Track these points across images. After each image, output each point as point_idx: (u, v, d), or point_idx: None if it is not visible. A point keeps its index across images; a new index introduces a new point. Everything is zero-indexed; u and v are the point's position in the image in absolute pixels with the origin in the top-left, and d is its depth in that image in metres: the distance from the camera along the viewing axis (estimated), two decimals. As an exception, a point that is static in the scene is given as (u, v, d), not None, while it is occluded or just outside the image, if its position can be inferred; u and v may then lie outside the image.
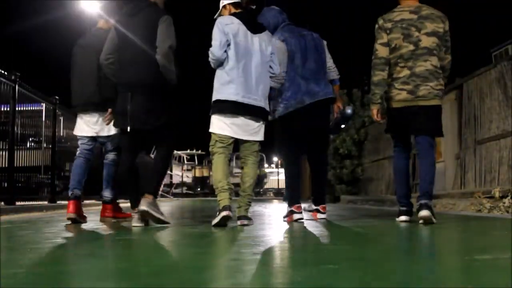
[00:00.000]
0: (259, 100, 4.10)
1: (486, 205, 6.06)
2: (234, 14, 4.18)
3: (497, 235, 3.29)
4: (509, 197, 5.78)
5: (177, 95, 4.27)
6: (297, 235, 3.26)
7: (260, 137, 4.19)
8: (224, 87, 4.01)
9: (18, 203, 7.35)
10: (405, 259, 2.21)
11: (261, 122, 4.18)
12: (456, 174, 8.21)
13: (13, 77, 7.22)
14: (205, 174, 33.19)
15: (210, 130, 4.09)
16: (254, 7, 4.26)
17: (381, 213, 6.23)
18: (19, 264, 2.00)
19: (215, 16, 4.32)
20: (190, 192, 31.26)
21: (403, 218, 4.29)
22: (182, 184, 30.72)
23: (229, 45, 4.03)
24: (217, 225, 3.84)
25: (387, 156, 11.00)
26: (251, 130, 4.12)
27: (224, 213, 3.82)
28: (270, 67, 4.24)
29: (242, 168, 4.26)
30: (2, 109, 7.38)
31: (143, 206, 3.88)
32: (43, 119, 9.11)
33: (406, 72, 4.14)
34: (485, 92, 7.47)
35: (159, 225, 4.03)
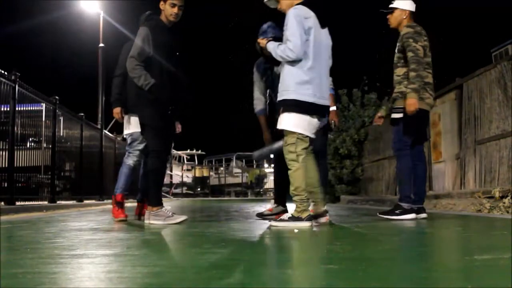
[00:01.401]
0: (327, 99, 4.00)
1: (486, 205, 6.06)
2: (302, 4, 3.90)
3: (497, 235, 3.29)
4: (509, 197, 5.78)
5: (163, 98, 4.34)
6: (297, 235, 3.26)
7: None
8: (301, 87, 3.79)
9: (18, 203, 7.35)
10: (405, 259, 2.21)
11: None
12: (456, 174, 8.21)
13: (13, 77, 7.23)
14: (205, 174, 33.13)
15: (289, 128, 3.81)
16: None
17: (381, 213, 6.23)
18: (19, 264, 2.00)
19: (274, 5, 4.01)
20: (190, 192, 31.23)
21: (425, 215, 4.66)
22: (182, 184, 30.72)
23: (306, 40, 3.79)
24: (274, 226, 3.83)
25: (387, 156, 11.00)
26: (315, 130, 4.00)
27: (311, 223, 3.81)
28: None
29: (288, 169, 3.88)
30: (2, 109, 7.37)
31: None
32: (43, 119, 9.11)
33: (431, 79, 4.68)
34: (485, 92, 7.47)
35: (159, 225, 4.07)
